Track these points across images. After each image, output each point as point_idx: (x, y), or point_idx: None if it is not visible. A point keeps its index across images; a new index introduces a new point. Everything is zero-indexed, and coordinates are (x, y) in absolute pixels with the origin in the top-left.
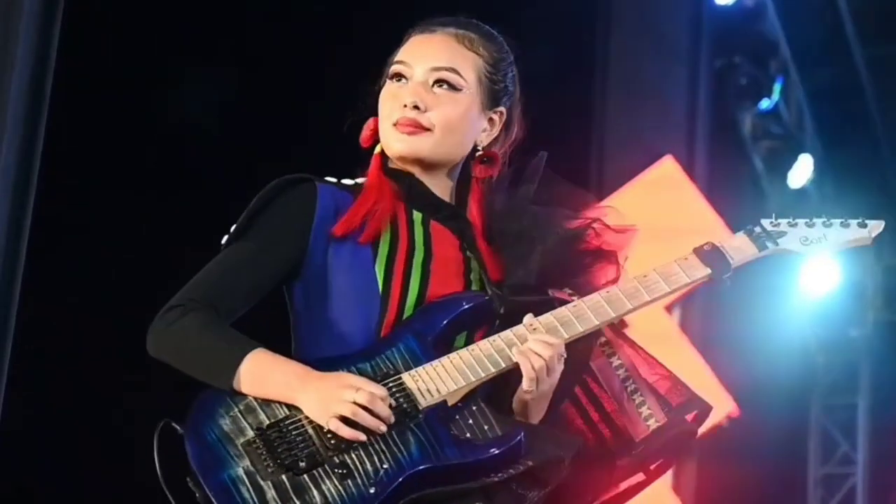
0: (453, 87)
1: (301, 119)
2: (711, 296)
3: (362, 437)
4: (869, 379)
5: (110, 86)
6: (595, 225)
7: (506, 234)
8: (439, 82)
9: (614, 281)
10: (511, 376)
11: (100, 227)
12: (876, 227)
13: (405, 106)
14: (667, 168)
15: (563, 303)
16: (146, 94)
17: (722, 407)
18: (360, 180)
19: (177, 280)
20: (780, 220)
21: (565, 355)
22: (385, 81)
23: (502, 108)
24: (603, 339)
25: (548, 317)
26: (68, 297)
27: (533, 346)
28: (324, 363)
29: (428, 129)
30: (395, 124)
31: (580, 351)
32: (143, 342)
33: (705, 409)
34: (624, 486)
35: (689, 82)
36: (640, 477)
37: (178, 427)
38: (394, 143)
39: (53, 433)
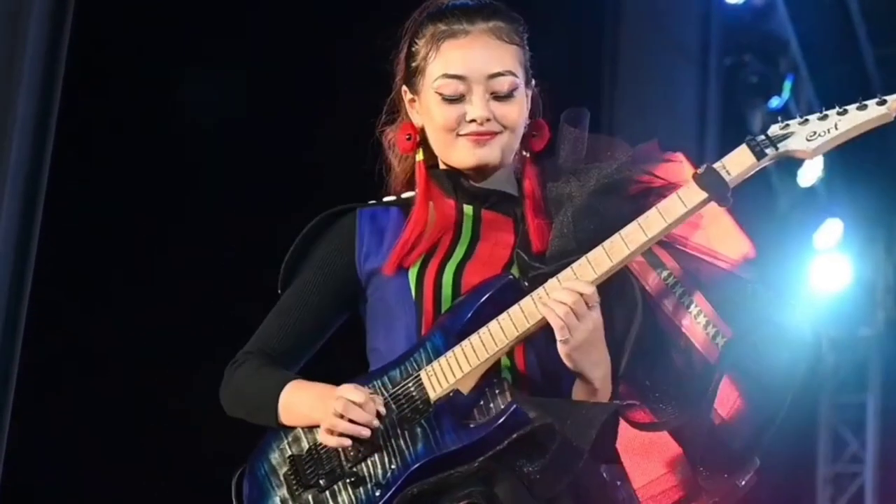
0: (511, 93)
1: (312, 121)
2: None
3: (346, 442)
4: (879, 378)
5: (120, 88)
6: (631, 167)
7: (554, 204)
8: (498, 93)
9: None
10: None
11: (108, 229)
12: None
13: (475, 121)
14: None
15: None
16: (157, 96)
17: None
18: (412, 193)
19: (186, 282)
20: (788, 122)
21: (597, 301)
22: (418, 84)
23: (533, 81)
24: (665, 272)
25: (552, 281)
26: (76, 299)
27: (555, 294)
28: (366, 378)
29: (497, 133)
30: (463, 135)
31: (628, 299)
32: (153, 344)
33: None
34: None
35: (699, 80)
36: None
37: None
38: (465, 155)
39: (62, 437)
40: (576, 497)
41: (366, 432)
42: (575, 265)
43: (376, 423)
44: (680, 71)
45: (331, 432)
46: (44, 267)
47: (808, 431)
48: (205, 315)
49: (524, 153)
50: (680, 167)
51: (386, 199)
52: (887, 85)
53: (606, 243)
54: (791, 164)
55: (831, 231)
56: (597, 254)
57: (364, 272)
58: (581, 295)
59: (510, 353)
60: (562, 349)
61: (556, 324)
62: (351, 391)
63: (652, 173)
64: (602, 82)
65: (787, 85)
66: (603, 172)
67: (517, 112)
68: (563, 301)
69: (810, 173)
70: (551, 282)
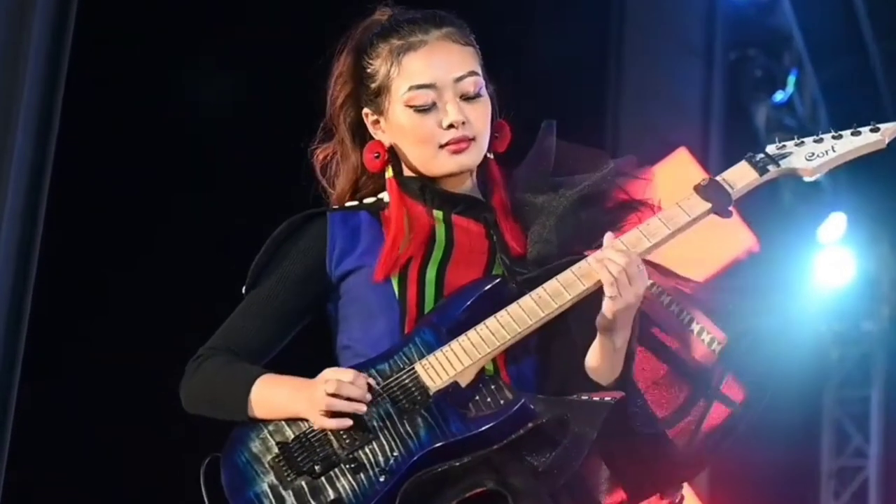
0: (479, 93)
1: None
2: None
3: (347, 422)
4: (883, 372)
5: (123, 86)
6: (610, 180)
7: (527, 212)
8: (467, 94)
9: None
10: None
11: (111, 226)
12: (892, 129)
13: (452, 126)
14: (681, 160)
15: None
16: (160, 93)
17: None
18: (382, 195)
19: (188, 280)
20: (785, 143)
21: (644, 269)
22: (382, 104)
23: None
24: (649, 282)
25: (553, 282)
26: (79, 298)
27: (608, 254)
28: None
29: (473, 139)
30: (443, 146)
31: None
32: (155, 343)
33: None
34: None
35: (703, 75)
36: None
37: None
38: (447, 164)
39: (64, 433)
40: (570, 492)
41: (362, 408)
42: (574, 268)
43: (369, 396)
44: (684, 65)
45: (328, 414)
46: (47, 265)
47: (812, 426)
48: (208, 312)
49: (488, 155)
50: (652, 186)
51: (349, 203)
52: (891, 78)
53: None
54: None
55: (835, 225)
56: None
57: (336, 274)
58: (630, 256)
59: (494, 363)
60: (609, 306)
61: (607, 279)
62: (338, 372)
63: (626, 190)
64: (607, 77)
65: (792, 79)
66: (584, 183)
67: (486, 111)
68: (617, 261)
69: None
70: (605, 245)
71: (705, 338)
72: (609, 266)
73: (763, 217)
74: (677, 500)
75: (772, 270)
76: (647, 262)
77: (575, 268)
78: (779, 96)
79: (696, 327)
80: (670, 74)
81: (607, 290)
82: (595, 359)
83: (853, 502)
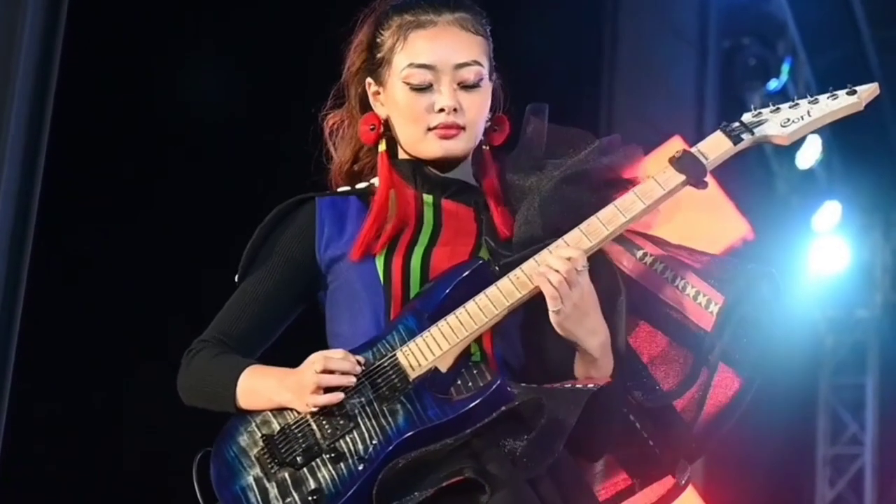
0: (478, 83)
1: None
2: None
3: (339, 396)
4: (877, 360)
5: (115, 77)
6: (595, 158)
7: (516, 195)
8: (465, 82)
9: None
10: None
11: (105, 220)
12: (868, 91)
13: (443, 111)
14: (675, 149)
15: None
16: (152, 87)
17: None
18: (374, 181)
19: (185, 276)
20: (761, 110)
21: (586, 266)
22: (384, 76)
23: (495, 74)
24: (640, 252)
25: (544, 252)
26: (72, 293)
27: (550, 261)
28: None
29: (463, 128)
30: (432, 129)
31: (605, 278)
32: (149, 336)
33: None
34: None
35: (697, 63)
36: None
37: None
38: (433, 148)
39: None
40: (555, 478)
41: (352, 380)
42: (558, 241)
43: (359, 369)
44: (678, 54)
45: (318, 391)
46: (44, 260)
47: (807, 413)
48: (206, 309)
49: (484, 146)
50: (639, 163)
51: (341, 189)
52: (885, 67)
53: (583, 225)
54: (789, 145)
55: (830, 213)
56: (573, 235)
57: (325, 259)
58: (571, 260)
59: (480, 345)
60: (554, 319)
61: (549, 293)
62: (325, 352)
63: (613, 168)
64: (601, 66)
65: (786, 67)
66: (568, 162)
67: (483, 102)
68: (557, 269)
69: (809, 155)
70: (542, 253)
71: (702, 300)
72: (550, 276)
73: (758, 206)
74: (684, 482)
75: (767, 259)
76: (637, 233)
77: (553, 245)
78: (773, 85)
79: (691, 291)
80: (664, 63)
81: (550, 305)
82: (581, 369)
83: (849, 490)
